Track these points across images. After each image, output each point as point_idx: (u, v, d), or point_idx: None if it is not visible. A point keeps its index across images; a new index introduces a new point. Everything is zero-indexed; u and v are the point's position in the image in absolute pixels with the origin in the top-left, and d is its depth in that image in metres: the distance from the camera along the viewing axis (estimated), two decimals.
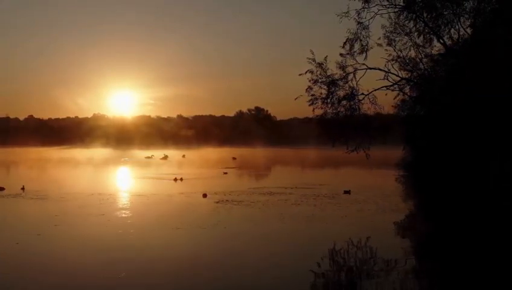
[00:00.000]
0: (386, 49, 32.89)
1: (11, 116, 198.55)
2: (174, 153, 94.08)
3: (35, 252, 16.77)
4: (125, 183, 39.46)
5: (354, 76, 32.07)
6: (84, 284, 13.23)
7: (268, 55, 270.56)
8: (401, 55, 33.38)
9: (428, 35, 31.08)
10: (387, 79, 33.57)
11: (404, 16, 30.21)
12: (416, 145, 42.87)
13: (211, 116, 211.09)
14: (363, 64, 32.20)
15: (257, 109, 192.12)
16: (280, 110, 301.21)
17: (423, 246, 18.48)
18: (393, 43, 32.64)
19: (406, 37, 32.32)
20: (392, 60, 33.86)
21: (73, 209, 25.61)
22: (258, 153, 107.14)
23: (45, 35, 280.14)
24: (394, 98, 35.88)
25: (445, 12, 29.26)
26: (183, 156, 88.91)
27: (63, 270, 14.50)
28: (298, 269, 14.46)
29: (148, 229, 20.81)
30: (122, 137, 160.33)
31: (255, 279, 13.74)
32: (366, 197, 30.32)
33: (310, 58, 32.20)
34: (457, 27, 29.10)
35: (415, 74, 35.81)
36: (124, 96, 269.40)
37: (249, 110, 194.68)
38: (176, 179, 40.49)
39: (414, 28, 30.67)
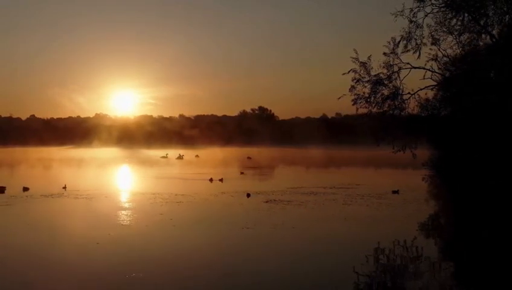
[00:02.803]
0: (430, 48, 32.89)
1: (13, 116, 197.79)
2: (185, 153, 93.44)
3: (118, 251, 16.76)
4: (160, 183, 39.08)
5: (398, 75, 32.09)
6: (170, 280, 13.42)
7: (270, 55, 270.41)
8: (446, 54, 33.39)
9: (473, 34, 31.07)
10: (431, 78, 33.62)
11: (453, 14, 30.22)
12: (445, 145, 42.85)
13: (212, 115, 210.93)
14: (408, 63, 32.25)
15: (261, 108, 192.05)
16: (281, 110, 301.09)
17: (472, 247, 18.10)
18: (438, 42, 32.59)
19: (450, 36, 32.29)
20: (433, 59, 33.91)
21: (129, 209, 25.51)
22: (267, 152, 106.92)
23: (45, 35, 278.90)
24: (433, 98, 35.83)
25: (495, 11, 29.25)
26: (197, 156, 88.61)
27: (152, 267, 14.57)
28: (350, 268, 14.43)
29: (216, 229, 20.73)
30: (127, 137, 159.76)
31: (303, 276, 13.78)
32: (414, 197, 30.26)
33: (353, 58, 32.22)
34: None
35: (456, 73, 35.84)
36: (124, 96, 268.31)
37: (252, 109, 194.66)
38: (211, 180, 40.03)
39: (461, 26, 30.68)
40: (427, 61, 33.67)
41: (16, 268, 14.48)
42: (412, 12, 27.76)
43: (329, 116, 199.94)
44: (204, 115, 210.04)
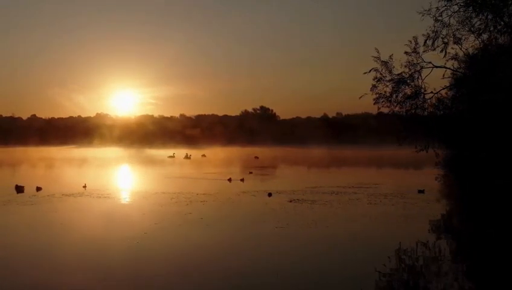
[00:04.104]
0: (452, 47, 32.85)
1: (15, 116, 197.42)
2: (190, 152, 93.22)
3: (158, 249, 16.83)
4: (177, 183, 38.80)
5: (420, 74, 32.12)
6: (216, 278, 13.53)
7: (270, 55, 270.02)
8: (467, 53, 33.37)
9: (494, 33, 31.06)
10: (452, 78, 33.68)
11: (476, 13, 30.20)
12: (456, 144, 42.78)
13: (213, 115, 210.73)
14: (429, 62, 32.26)
15: (262, 108, 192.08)
16: (282, 110, 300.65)
17: (495, 247, 17.93)
18: (460, 41, 32.55)
19: (472, 35, 32.22)
20: (454, 58, 33.89)
21: (156, 208, 25.48)
22: (272, 152, 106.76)
23: (45, 35, 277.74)
24: (445, 97, 35.85)
25: None
26: (203, 155, 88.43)
27: (196, 265, 14.73)
28: (378, 267, 14.41)
29: (250, 228, 20.85)
30: (129, 136, 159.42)
31: (326, 275, 13.89)
32: (440, 196, 30.31)
33: (374, 57, 32.20)
34: None
35: (467, 72, 35.91)
36: (125, 96, 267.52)
37: (254, 109, 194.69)
38: (230, 179, 39.83)
39: (482, 25, 30.67)
40: (447, 60, 33.67)
41: (67, 266, 14.49)
42: (439, 12, 27.70)
43: (330, 116, 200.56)
44: (205, 114, 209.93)
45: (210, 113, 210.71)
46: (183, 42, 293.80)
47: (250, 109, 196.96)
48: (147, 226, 20.68)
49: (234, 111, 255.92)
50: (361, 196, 30.46)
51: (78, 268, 14.26)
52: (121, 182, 40.78)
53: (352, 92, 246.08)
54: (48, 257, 15.70)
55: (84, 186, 33.75)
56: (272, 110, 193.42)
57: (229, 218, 23.03)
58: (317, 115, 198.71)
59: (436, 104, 35.92)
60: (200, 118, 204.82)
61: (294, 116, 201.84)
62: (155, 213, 23.88)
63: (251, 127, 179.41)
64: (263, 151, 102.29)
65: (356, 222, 22.04)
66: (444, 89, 32.91)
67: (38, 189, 33.00)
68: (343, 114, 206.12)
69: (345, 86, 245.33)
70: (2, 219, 23.28)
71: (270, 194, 30.58)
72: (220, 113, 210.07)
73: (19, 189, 32.93)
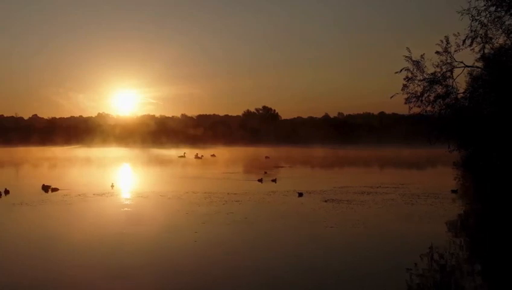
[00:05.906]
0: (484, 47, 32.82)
1: (16, 116, 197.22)
2: (198, 152, 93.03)
3: (220, 248, 16.75)
4: (203, 183, 38.31)
5: (451, 74, 32.15)
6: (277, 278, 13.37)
7: (272, 55, 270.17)
8: (497, 52, 33.39)
9: None
10: (470, 77, 33.84)
11: (507, 12, 30.24)
12: (471, 144, 42.89)
13: (215, 115, 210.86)
14: (461, 62, 32.26)
15: (265, 108, 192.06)
16: (283, 109, 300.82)
17: None
18: (491, 41, 32.54)
19: (504, 34, 32.24)
20: (484, 58, 33.90)
21: (195, 208, 25.25)
22: (278, 151, 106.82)
23: (45, 35, 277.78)
24: (461, 97, 35.87)
25: None
26: (213, 155, 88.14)
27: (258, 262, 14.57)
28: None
29: (300, 228, 20.69)
30: (132, 136, 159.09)
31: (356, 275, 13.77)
32: (473, 195, 30.18)
33: (406, 56, 32.26)
34: None
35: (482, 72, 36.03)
36: (126, 95, 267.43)
37: (256, 109, 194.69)
38: (261, 180, 39.20)
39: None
40: (476, 60, 33.73)
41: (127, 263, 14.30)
42: (477, 11, 27.78)
43: (332, 116, 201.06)
44: (206, 114, 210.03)
45: (211, 113, 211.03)
46: (184, 42, 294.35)
47: (252, 109, 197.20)
48: (195, 225, 20.55)
49: (235, 111, 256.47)
50: (394, 196, 30.30)
51: (149, 266, 14.16)
52: (145, 182, 40.39)
53: (353, 92, 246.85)
54: (109, 256, 15.52)
55: (112, 186, 33.52)
56: (274, 110, 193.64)
57: (272, 218, 22.88)
58: (319, 115, 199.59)
59: (454, 103, 36.01)
60: (201, 118, 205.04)
61: (296, 116, 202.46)
62: (197, 213, 23.67)
63: (253, 127, 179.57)
64: (268, 151, 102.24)
65: (402, 222, 21.95)
66: (475, 88, 32.97)
67: (54, 190, 32.40)
68: (345, 114, 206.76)
69: (346, 86, 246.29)
70: (53, 215, 23.35)
71: (301, 194, 30.38)
72: (222, 113, 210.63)
73: (46, 189, 32.65)
